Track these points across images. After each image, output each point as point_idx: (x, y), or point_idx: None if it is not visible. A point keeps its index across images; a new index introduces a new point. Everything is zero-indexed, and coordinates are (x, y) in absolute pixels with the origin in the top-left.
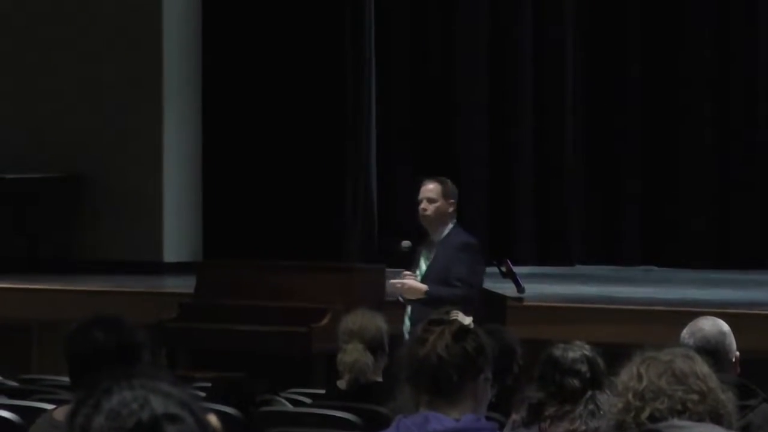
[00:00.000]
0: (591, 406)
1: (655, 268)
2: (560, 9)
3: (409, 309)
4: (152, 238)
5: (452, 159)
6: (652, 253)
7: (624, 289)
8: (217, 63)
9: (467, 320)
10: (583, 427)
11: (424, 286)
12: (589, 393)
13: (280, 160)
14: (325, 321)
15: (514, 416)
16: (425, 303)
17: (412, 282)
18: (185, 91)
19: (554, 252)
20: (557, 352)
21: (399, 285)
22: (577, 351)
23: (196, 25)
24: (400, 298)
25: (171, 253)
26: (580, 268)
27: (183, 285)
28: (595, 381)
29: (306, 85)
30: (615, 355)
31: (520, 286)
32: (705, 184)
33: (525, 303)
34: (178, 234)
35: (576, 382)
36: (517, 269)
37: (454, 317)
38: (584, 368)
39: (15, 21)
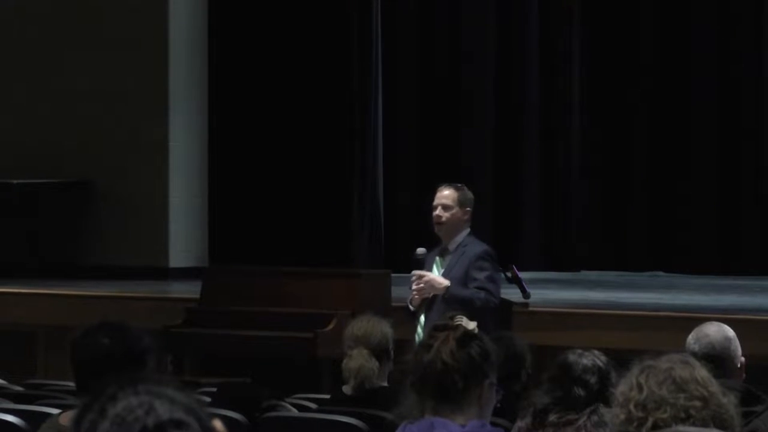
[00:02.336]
0: (594, 418)
1: (661, 273)
2: (567, 14)
3: (422, 319)
4: (158, 243)
5: (458, 163)
6: (657, 258)
7: (630, 294)
8: (224, 67)
9: (471, 325)
10: None
11: (446, 282)
12: (594, 405)
13: (286, 165)
14: (330, 326)
15: (519, 423)
16: (446, 301)
17: (435, 276)
18: (191, 96)
19: (560, 257)
20: (571, 357)
21: (420, 278)
22: (590, 360)
23: (202, 29)
24: (410, 307)
25: (177, 259)
26: (585, 274)
27: (189, 290)
28: (602, 394)
29: (313, 89)
30: (621, 361)
31: (526, 291)
32: (711, 190)
33: (530, 308)
34: (184, 239)
35: (582, 392)
36: (522, 275)
37: (459, 322)
38: (593, 380)
39: (22, 26)
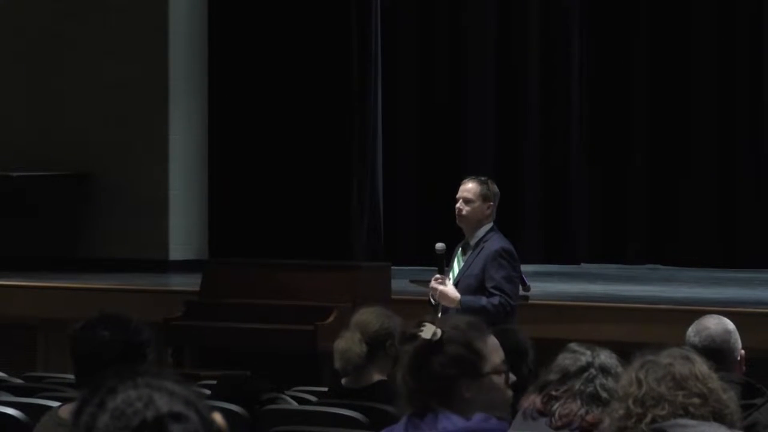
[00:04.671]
0: (590, 388)
1: (661, 266)
2: (567, 10)
3: (440, 315)
4: (158, 236)
5: (458, 158)
6: (657, 251)
7: (629, 287)
8: (224, 61)
9: (430, 332)
10: (583, 410)
11: (458, 296)
12: (591, 372)
13: (285, 158)
14: (330, 319)
15: (525, 403)
16: (460, 312)
17: (448, 288)
18: (191, 89)
19: (560, 250)
20: (570, 345)
21: (434, 289)
22: (595, 347)
23: (202, 24)
24: (432, 300)
25: (176, 252)
26: (585, 267)
27: (188, 283)
28: (597, 366)
29: (312, 83)
30: (621, 354)
31: (526, 284)
32: (711, 183)
33: (530, 301)
34: (183, 232)
35: (580, 361)
36: (522, 267)
37: (422, 333)
38: (590, 351)
39: (23, 21)
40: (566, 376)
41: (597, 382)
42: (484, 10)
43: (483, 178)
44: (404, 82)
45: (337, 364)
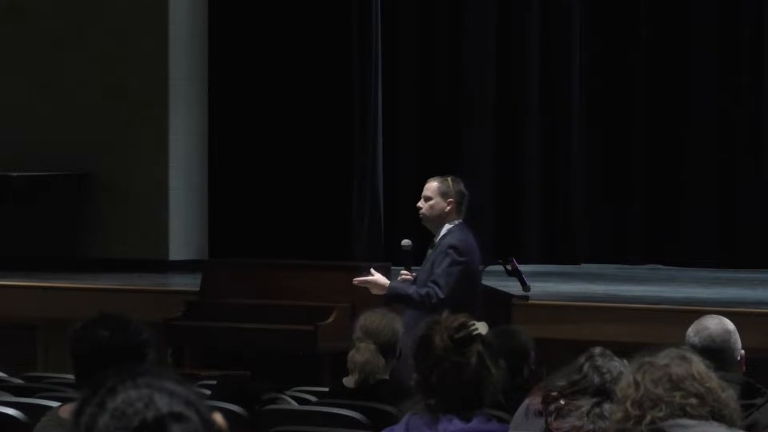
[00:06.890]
0: (597, 410)
1: (661, 266)
2: (568, 8)
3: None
4: (158, 236)
5: (459, 157)
6: (657, 251)
7: (630, 287)
8: (224, 61)
9: (485, 330)
10: (591, 426)
11: (387, 282)
12: (597, 399)
13: (286, 158)
14: (330, 319)
15: (529, 400)
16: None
17: (377, 277)
18: (191, 88)
19: (560, 250)
20: (597, 350)
21: (363, 281)
22: (615, 360)
23: (202, 23)
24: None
25: (177, 252)
26: (585, 267)
27: (188, 283)
28: (609, 392)
29: (312, 83)
30: (621, 355)
31: (526, 284)
32: (711, 183)
33: (530, 302)
34: (183, 232)
35: (597, 379)
36: (522, 267)
37: (476, 330)
38: (611, 375)
39: (21, 20)
40: (578, 391)
41: (605, 406)
42: (484, 10)
43: (447, 177)
44: (404, 82)
45: (355, 377)
